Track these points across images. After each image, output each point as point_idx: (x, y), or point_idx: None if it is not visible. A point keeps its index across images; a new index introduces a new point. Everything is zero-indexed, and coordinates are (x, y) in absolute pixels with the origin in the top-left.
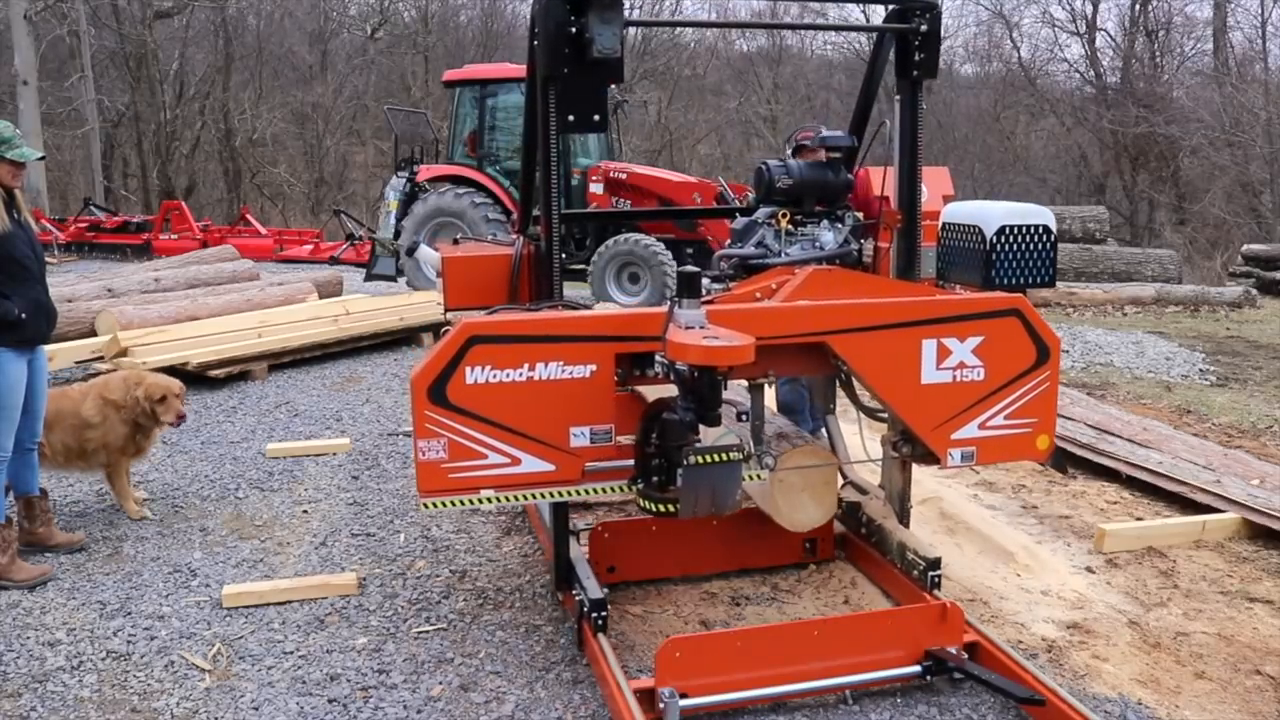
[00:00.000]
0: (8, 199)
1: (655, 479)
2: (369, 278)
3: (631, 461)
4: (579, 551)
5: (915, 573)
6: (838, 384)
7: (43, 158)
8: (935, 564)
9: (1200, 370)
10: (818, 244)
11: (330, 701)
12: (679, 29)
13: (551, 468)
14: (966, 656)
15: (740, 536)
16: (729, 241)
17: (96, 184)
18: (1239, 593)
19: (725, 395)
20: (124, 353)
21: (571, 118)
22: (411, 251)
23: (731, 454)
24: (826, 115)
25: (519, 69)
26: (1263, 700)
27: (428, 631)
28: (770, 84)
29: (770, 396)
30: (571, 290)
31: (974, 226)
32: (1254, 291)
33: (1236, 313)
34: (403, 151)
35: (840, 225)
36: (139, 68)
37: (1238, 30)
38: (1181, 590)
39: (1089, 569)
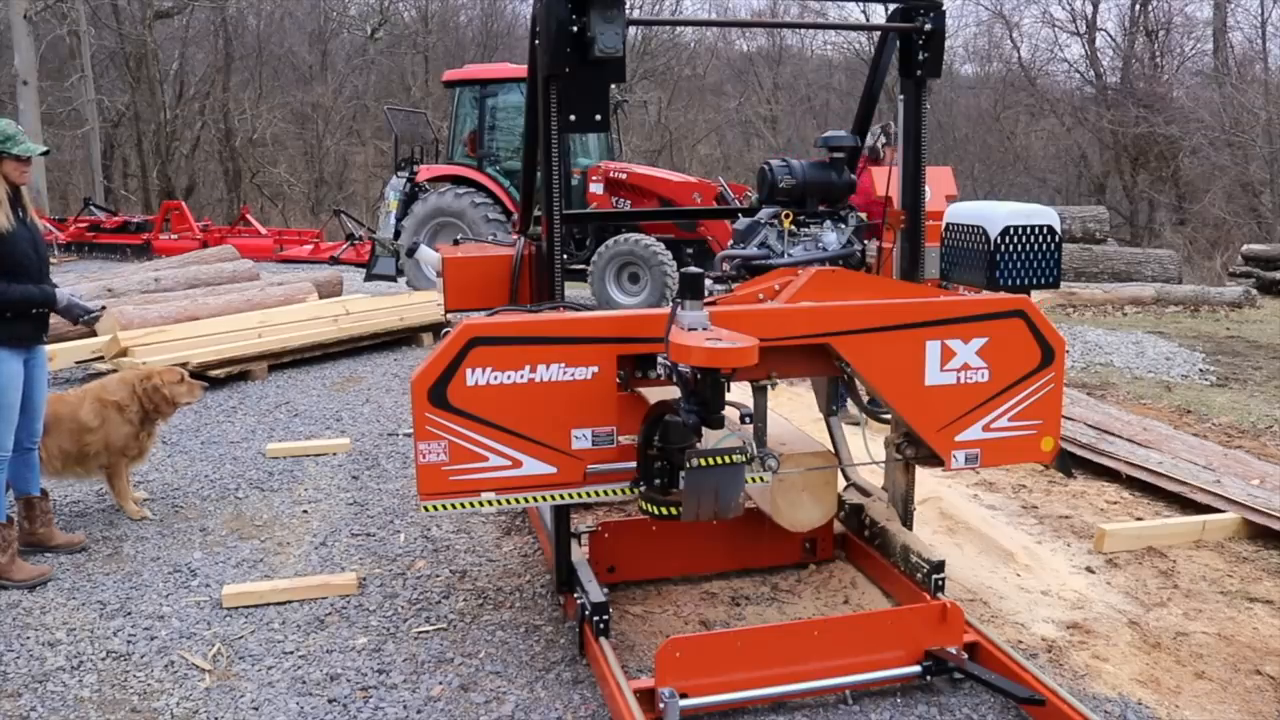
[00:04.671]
0: (13, 197)
1: (658, 482)
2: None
3: (634, 464)
4: (580, 554)
5: (919, 575)
6: (840, 385)
7: (46, 152)
8: (939, 567)
9: (1200, 370)
10: (821, 245)
11: (330, 701)
12: (679, 28)
13: (553, 470)
14: (966, 656)
15: (740, 536)
16: (731, 242)
17: (96, 184)
18: (1239, 593)
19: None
20: (124, 353)
21: (573, 117)
22: (411, 252)
23: (734, 456)
24: (826, 115)
25: (519, 69)
26: (1263, 700)
27: (428, 631)
28: (770, 84)
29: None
30: (571, 290)
31: (978, 227)
32: (1254, 291)
33: (1236, 313)
34: (403, 151)
35: (843, 226)
36: (139, 68)
37: (1238, 30)
38: (1181, 590)
39: (1089, 569)
